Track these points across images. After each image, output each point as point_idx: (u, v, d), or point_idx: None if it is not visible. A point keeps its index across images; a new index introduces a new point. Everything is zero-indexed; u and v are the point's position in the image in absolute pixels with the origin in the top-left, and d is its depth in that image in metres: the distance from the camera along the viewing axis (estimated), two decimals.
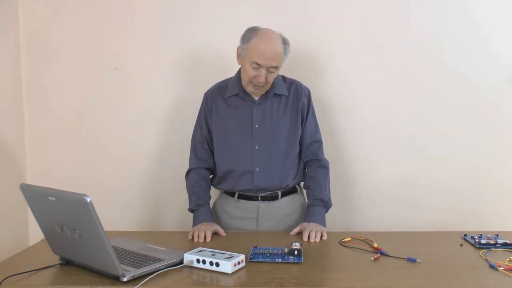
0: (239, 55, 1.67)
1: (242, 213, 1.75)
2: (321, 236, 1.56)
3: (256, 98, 1.72)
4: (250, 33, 1.62)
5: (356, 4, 2.04)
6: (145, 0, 2.08)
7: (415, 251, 1.39)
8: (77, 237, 1.19)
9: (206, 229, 1.59)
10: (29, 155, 2.16)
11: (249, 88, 1.67)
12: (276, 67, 1.61)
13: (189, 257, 1.28)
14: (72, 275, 1.23)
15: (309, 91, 1.80)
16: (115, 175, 2.15)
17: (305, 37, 2.05)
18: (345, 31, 2.05)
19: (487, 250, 1.41)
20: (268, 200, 1.74)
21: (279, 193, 1.74)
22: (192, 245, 1.51)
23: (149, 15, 2.09)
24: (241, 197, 1.75)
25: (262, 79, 1.60)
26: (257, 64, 1.58)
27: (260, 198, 1.73)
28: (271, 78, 1.64)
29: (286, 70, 1.87)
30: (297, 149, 1.76)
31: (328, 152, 1.84)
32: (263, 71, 1.59)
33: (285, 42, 1.64)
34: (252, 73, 1.61)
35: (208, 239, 1.55)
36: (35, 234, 2.11)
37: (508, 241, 1.45)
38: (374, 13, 2.04)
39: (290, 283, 1.17)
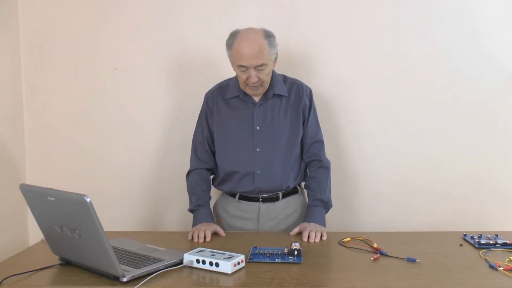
0: (230, 62, 1.66)
1: (243, 214, 1.75)
2: (321, 236, 1.56)
3: (257, 99, 1.72)
4: (231, 39, 1.61)
5: (357, 4, 2.04)
6: (144, 0, 2.08)
7: (415, 251, 1.40)
8: (77, 237, 1.19)
9: (206, 229, 1.59)
10: (29, 155, 2.16)
11: (248, 91, 1.67)
12: (263, 64, 1.58)
13: (189, 257, 1.28)
14: (71, 276, 1.24)
15: (310, 91, 1.79)
16: (115, 175, 2.15)
17: (305, 37, 2.05)
18: (345, 31, 2.05)
19: (486, 250, 1.41)
20: (269, 201, 1.73)
21: (280, 194, 1.74)
22: (192, 245, 1.51)
23: (149, 16, 2.08)
24: (242, 198, 1.75)
25: (254, 79, 1.58)
26: (243, 66, 1.57)
27: (261, 200, 1.73)
28: (264, 76, 1.61)
29: (286, 70, 1.87)
30: (298, 150, 1.76)
31: (328, 152, 1.83)
32: (251, 72, 1.57)
33: (268, 35, 1.60)
34: (243, 76, 1.60)
35: (208, 239, 1.55)
36: (35, 234, 2.11)
37: (507, 241, 1.45)
38: (374, 13, 2.04)
39: (290, 283, 1.17)
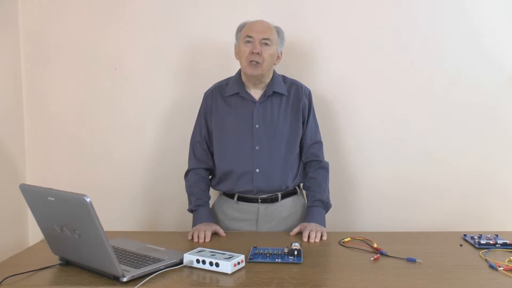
0: (235, 48, 1.72)
1: (241, 215, 1.74)
2: (321, 236, 1.56)
3: (257, 97, 1.72)
4: (242, 25, 1.73)
5: (356, 4, 2.04)
6: (145, 1, 2.08)
7: (415, 251, 1.39)
8: (77, 237, 1.19)
9: (206, 229, 1.59)
10: (29, 155, 2.16)
11: (248, 70, 1.65)
12: (269, 39, 1.64)
13: (189, 257, 1.28)
14: (71, 276, 1.24)
15: (309, 92, 1.80)
16: (115, 175, 2.15)
17: (305, 37, 2.05)
18: (345, 31, 2.05)
19: (487, 250, 1.41)
20: (267, 202, 1.73)
21: (279, 195, 1.74)
22: (192, 245, 1.51)
23: (148, 15, 2.08)
24: (240, 199, 1.74)
25: (257, 50, 1.62)
26: (249, 36, 1.64)
27: (260, 201, 1.73)
28: (267, 55, 1.64)
29: (285, 70, 1.88)
30: (297, 150, 1.76)
31: (327, 153, 1.84)
32: (256, 43, 1.63)
33: (277, 27, 1.72)
34: (247, 49, 1.64)
35: (207, 239, 1.55)
36: (35, 234, 2.11)
37: (507, 241, 1.45)
38: (374, 13, 2.04)
39: (290, 283, 1.17)
